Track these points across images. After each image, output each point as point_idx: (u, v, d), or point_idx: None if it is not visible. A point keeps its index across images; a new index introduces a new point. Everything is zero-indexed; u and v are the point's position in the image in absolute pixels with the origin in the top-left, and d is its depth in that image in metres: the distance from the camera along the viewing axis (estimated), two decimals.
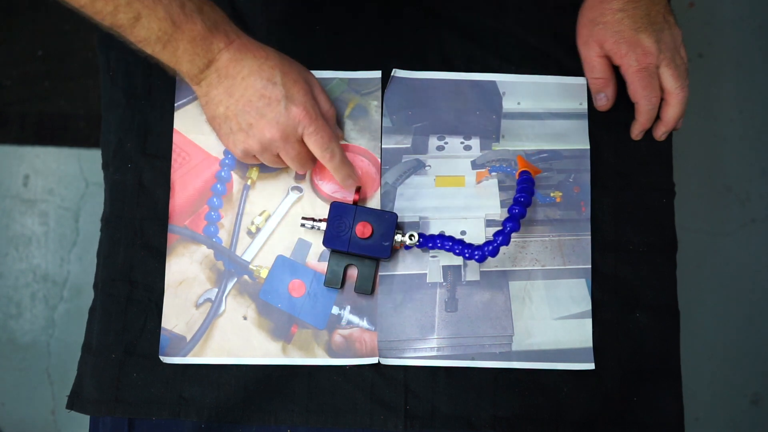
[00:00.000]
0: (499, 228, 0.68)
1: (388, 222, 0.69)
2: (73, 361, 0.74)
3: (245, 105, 0.64)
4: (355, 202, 0.71)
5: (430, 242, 0.70)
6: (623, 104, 0.77)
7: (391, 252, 0.70)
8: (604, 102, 0.75)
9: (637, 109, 0.74)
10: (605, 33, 0.71)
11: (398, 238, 0.70)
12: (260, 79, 0.64)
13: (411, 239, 0.70)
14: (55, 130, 1.49)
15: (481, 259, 0.68)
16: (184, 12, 0.59)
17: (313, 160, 0.70)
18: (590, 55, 0.74)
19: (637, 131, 0.75)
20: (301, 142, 0.67)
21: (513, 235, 0.70)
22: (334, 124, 0.72)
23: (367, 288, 0.71)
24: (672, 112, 0.73)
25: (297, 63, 0.69)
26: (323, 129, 0.66)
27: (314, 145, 0.67)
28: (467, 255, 0.69)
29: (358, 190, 0.72)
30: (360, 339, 0.72)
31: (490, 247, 0.68)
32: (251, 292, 0.73)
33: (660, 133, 0.75)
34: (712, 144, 1.48)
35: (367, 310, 0.72)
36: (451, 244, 0.69)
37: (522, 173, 0.71)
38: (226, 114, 0.66)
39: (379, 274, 0.73)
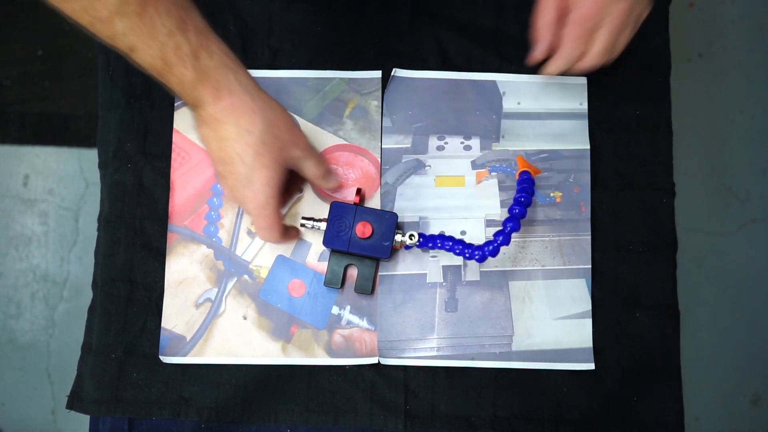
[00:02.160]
0: (500, 228, 0.68)
1: (389, 222, 0.69)
2: (73, 361, 0.74)
3: (219, 157, 0.63)
4: (355, 203, 0.71)
5: (430, 242, 0.70)
6: (624, 104, 0.77)
7: (391, 252, 0.70)
8: (537, 55, 0.70)
9: (557, 54, 0.69)
10: None
11: (398, 238, 0.70)
12: (233, 149, 0.62)
13: (411, 239, 0.70)
14: (55, 130, 1.49)
15: (482, 259, 0.68)
16: (177, 54, 0.57)
17: (278, 233, 0.67)
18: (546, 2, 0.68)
19: (544, 70, 0.71)
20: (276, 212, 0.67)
21: (513, 235, 0.70)
22: (325, 180, 0.70)
23: (367, 288, 0.71)
24: (578, 66, 0.70)
25: (285, 128, 0.64)
26: (264, 221, 0.65)
27: (257, 229, 0.67)
28: (467, 255, 0.69)
29: (358, 191, 0.72)
30: (360, 339, 0.72)
31: (491, 247, 0.68)
32: (251, 292, 0.73)
33: (552, 68, 0.70)
34: (712, 144, 1.48)
35: (367, 310, 0.72)
36: (451, 244, 0.69)
37: (522, 173, 0.71)
38: (209, 150, 0.64)
39: (379, 274, 0.73)
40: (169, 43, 0.57)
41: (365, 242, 0.69)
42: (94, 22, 0.55)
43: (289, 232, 0.71)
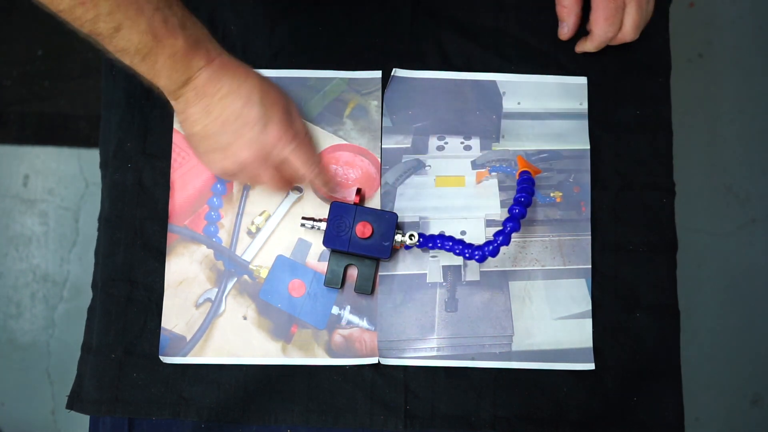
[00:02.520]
0: (500, 228, 0.68)
1: (389, 222, 0.69)
2: (73, 361, 0.74)
3: (222, 125, 0.63)
4: (355, 203, 0.71)
5: (430, 242, 0.70)
6: (624, 104, 0.77)
7: (391, 252, 0.70)
8: (565, 30, 0.76)
9: (590, 36, 0.74)
10: None
11: (398, 238, 0.70)
12: (238, 99, 0.62)
13: (411, 239, 0.70)
14: (55, 130, 1.49)
15: (482, 259, 0.68)
16: (166, 26, 0.57)
17: (288, 183, 0.69)
18: None
19: (578, 49, 0.77)
20: (276, 166, 0.66)
21: (513, 235, 0.70)
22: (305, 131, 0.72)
23: (367, 288, 0.71)
24: (611, 43, 0.75)
25: (276, 86, 0.67)
26: (304, 145, 0.66)
27: (298, 161, 0.66)
28: (467, 255, 0.69)
29: (358, 191, 0.72)
30: (360, 339, 0.72)
31: (491, 247, 0.68)
32: (251, 292, 0.73)
33: (586, 48, 0.76)
34: (712, 144, 1.48)
35: (367, 310, 0.72)
36: (451, 244, 0.69)
37: (522, 173, 0.71)
38: (204, 133, 0.64)
39: (379, 274, 0.73)
40: (156, 17, 0.56)
41: (365, 242, 0.69)
42: (74, 5, 0.54)
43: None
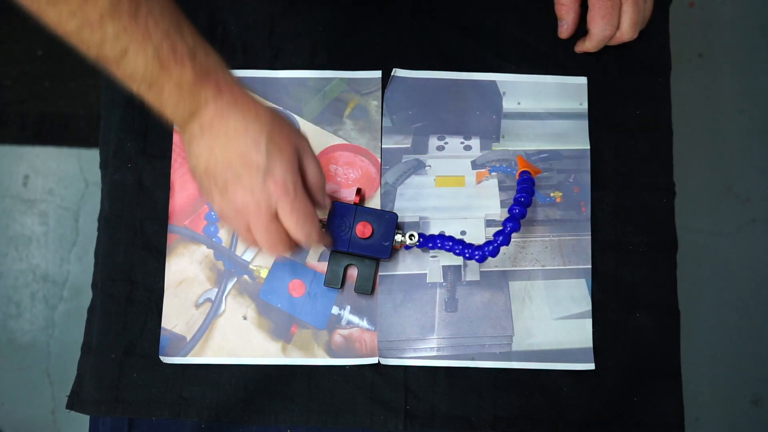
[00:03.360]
0: (500, 228, 0.68)
1: (389, 222, 0.69)
2: (73, 361, 0.74)
3: (225, 165, 0.58)
4: (355, 203, 0.71)
5: (430, 242, 0.70)
6: (624, 104, 0.77)
7: (391, 252, 0.70)
8: (564, 28, 0.76)
9: (588, 35, 0.75)
10: None
11: (398, 238, 0.70)
12: (244, 142, 0.58)
13: (411, 239, 0.70)
14: (55, 130, 1.49)
15: (482, 259, 0.68)
16: (174, 54, 0.54)
17: (285, 243, 0.62)
18: None
19: (577, 49, 0.77)
20: (275, 218, 0.60)
21: (513, 235, 0.70)
22: (322, 194, 0.65)
23: (367, 288, 0.71)
24: (610, 43, 0.75)
25: (289, 124, 0.62)
26: (300, 208, 0.60)
27: (288, 223, 0.60)
28: (467, 255, 0.69)
29: (358, 191, 0.72)
30: (360, 339, 0.72)
31: (491, 247, 0.68)
32: (251, 292, 0.73)
33: (585, 48, 0.76)
34: (712, 144, 1.48)
35: (367, 310, 0.72)
36: (451, 244, 0.69)
37: (522, 173, 0.71)
38: (206, 170, 0.59)
39: (379, 274, 0.73)
40: (165, 44, 0.54)
41: (365, 242, 0.69)
42: (82, 27, 0.52)
43: (324, 234, 0.66)
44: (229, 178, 0.59)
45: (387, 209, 0.73)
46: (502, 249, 0.71)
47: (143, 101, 0.58)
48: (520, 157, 0.74)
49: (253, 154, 0.58)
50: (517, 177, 0.72)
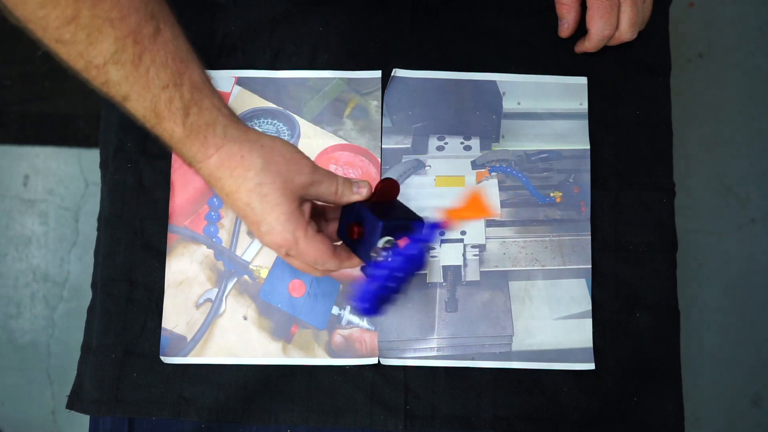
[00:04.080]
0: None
1: (374, 228, 0.60)
2: (73, 361, 0.74)
3: (239, 213, 0.60)
4: (369, 197, 0.63)
5: (377, 269, 0.60)
6: (624, 104, 0.77)
7: (371, 258, 0.61)
8: (565, 27, 0.77)
9: (588, 35, 0.75)
10: None
11: (373, 254, 0.61)
12: (239, 204, 0.59)
13: (382, 254, 0.60)
14: (55, 130, 1.49)
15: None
16: (169, 108, 0.55)
17: (316, 268, 0.62)
18: None
19: (577, 49, 0.77)
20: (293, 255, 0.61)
21: (513, 235, 0.70)
22: (350, 191, 0.63)
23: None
24: (610, 43, 0.76)
25: (284, 160, 0.59)
26: (307, 252, 0.60)
27: (303, 267, 0.62)
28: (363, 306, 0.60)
29: (384, 182, 0.64)
30: (360, 339, 0.72)
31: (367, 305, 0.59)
32: (251, 292, 0.73)
33: (585, 48, 0.77)
34: (712, 144, 1.48)
35: None
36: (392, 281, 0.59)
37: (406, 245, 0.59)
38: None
39: None
40: (162, 96, 0.54)
41: (353, 243, 0.63)
42: (89, 67, 0.53)
43: (344, 255, 0.63)
44: (245, 222, 0.61)
45: None
46: (502, 249, 0.71)
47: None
48: (449, 210, 0.63)
49: (249, 216, 0.59)
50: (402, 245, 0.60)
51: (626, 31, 0.74)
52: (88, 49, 0.52)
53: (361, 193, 0.62)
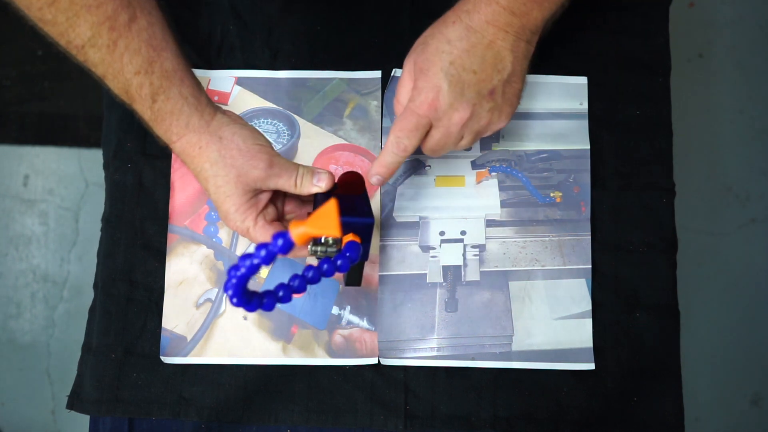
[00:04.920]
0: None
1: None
2: (73, 361, 0.74)
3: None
4: (331, 189, 0.64)
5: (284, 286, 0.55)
6: (624, 104, 0.77)
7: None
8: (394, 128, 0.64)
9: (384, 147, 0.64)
10: (422, 55, 0.62)
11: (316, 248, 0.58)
12: (203, 185, 0.63)
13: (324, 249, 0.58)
14: (55, 130, 1.49)
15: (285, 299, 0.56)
16: (139, 93, 0.59)
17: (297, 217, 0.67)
18: (403, 72, 0.64)
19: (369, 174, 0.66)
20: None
21: (513, 235, 0.70)
22: (309, 186, 0.63)
23: (358, 280, 0.68)
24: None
25: (237, 160, 0.61)
26: (255, 240, 0.64)
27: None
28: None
29: (349, 175, 0.67)
30: (360, 339, 0.72)
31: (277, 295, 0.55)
32: None
33: (371, 178, 0.66)
34: (712, 144, 1.48)
35: (367, 310, 0.72)
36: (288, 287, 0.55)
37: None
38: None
39: (379, 273, 0.73)
40: (133, 82, 0.58)
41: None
42: (70, 47, 0.56)
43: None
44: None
45: (387, 209, 0.73)
46: (502, 249, 0.71)
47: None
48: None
49: (213, 200, 0.64)
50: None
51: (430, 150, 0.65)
52: (68, 31, 0.55)
53: (320, 186, 0.64)
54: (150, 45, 0.58)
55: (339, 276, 0.72)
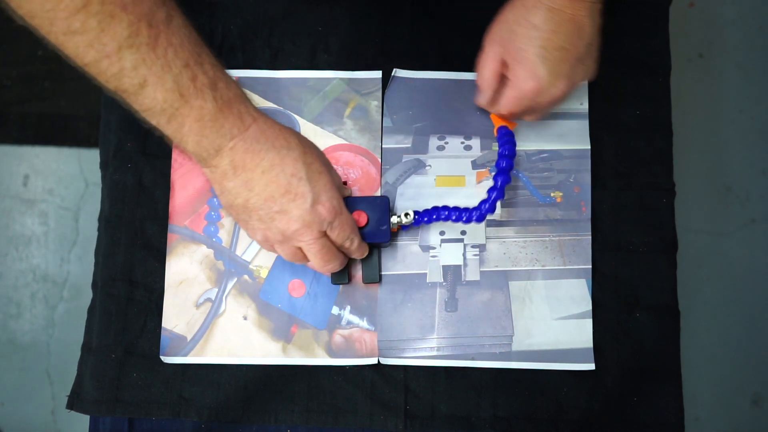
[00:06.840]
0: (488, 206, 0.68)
1: (381, 206, 0.68)
2: (73, 361, 0.74)
3: (267, 199, 0.59)
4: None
5: (425, 216, 0.70)
6: (624, 104, 0.77)
7: (390, 235, 0.69)
8: (481, 103, 0.72)
9: (500, 109, 0.70)
10: (511, 43, 0.66)
11: (394, 219, 0.69)
12: (284, 176, 0.58)
13: (407, 217, 0.70)
14: (55, 130, 1.49)
15: (481, 218, 0.69)
16: (194, 85, 0.53)
17: (339, 258, 0.65)
18: (488, 54, 0.68)
19: (481, 103, 0.72)
20: (325, 237, 0.63)
21: (513, 235, 0.70)
22: (342, 188, 0.68)
23: (375, 276, 0.71)
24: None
25: (314, 146, 0.63)
26: (347, 222, 0.63)
27: (340, 238, 0.63)
28: (465, 219, 0.69)
29: (344, 184, 0.71)
30: (360, 339, 0.72)
31: (487, 205, 0.68)
32: (251, 292, 0.73)
33: (490, 108, 0.72)
34: (712, 144, 1.48)
35: (367, 310, 0.72)
36: (447, 213, 0.70)
37: (500, 129, 0.72)
38: (245, 206, 0.60)
39: (379, 273, 0.73)
40: (185, 74, 0.53)
41: (363, 231, 0.68)
42: (100, 58, 0.51)
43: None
44: (275, 211, 0.59)
45: None
46: (502, 249, 0.71)
47: (164, 136, 0.57)
48: (493, 115, 0.73)
49: (296, 187, 0.59)
50: (495, 133, 0.73)
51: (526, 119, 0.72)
52: (100, 36, 0.50)
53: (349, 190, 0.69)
54: (191, 41, 0.54)
55: (358, 278, 0.72)
